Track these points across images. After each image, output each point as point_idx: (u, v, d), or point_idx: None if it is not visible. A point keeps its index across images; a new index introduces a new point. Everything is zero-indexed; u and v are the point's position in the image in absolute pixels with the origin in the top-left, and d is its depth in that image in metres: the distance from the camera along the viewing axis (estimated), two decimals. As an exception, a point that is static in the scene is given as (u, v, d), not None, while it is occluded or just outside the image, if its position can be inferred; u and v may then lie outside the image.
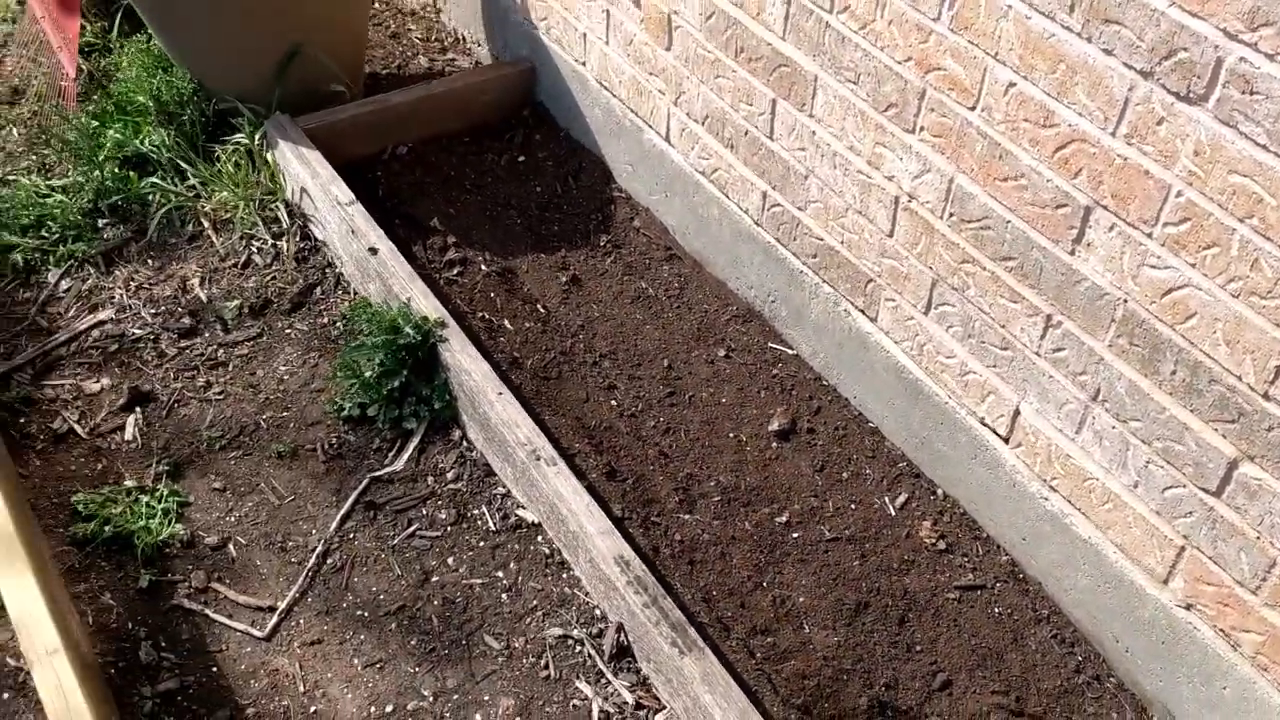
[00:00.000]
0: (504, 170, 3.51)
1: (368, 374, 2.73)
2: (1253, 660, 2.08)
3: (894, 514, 2.62)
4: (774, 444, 2.76)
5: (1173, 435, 2.04)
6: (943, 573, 2.53)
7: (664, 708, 2.26)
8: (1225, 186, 1.77)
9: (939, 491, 2.65)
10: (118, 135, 3.39)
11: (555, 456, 2.48)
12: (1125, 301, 2.02)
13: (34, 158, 3.52)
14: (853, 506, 2.64)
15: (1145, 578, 2.22)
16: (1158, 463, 2.09)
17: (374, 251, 2.91)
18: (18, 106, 3.72)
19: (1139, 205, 1.92)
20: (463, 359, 2.67)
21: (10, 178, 3.41)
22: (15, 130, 3.63)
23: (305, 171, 3.12)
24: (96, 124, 3.43)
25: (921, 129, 2.28)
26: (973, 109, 2.16)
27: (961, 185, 2.25)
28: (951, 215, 2.30)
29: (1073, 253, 2.08)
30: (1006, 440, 2.43)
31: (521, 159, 3.55)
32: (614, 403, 2.84)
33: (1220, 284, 1.85)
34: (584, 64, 3.35)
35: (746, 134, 2.79)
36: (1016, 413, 2.37)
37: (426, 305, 2.78)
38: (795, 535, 2.58)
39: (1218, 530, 2.04)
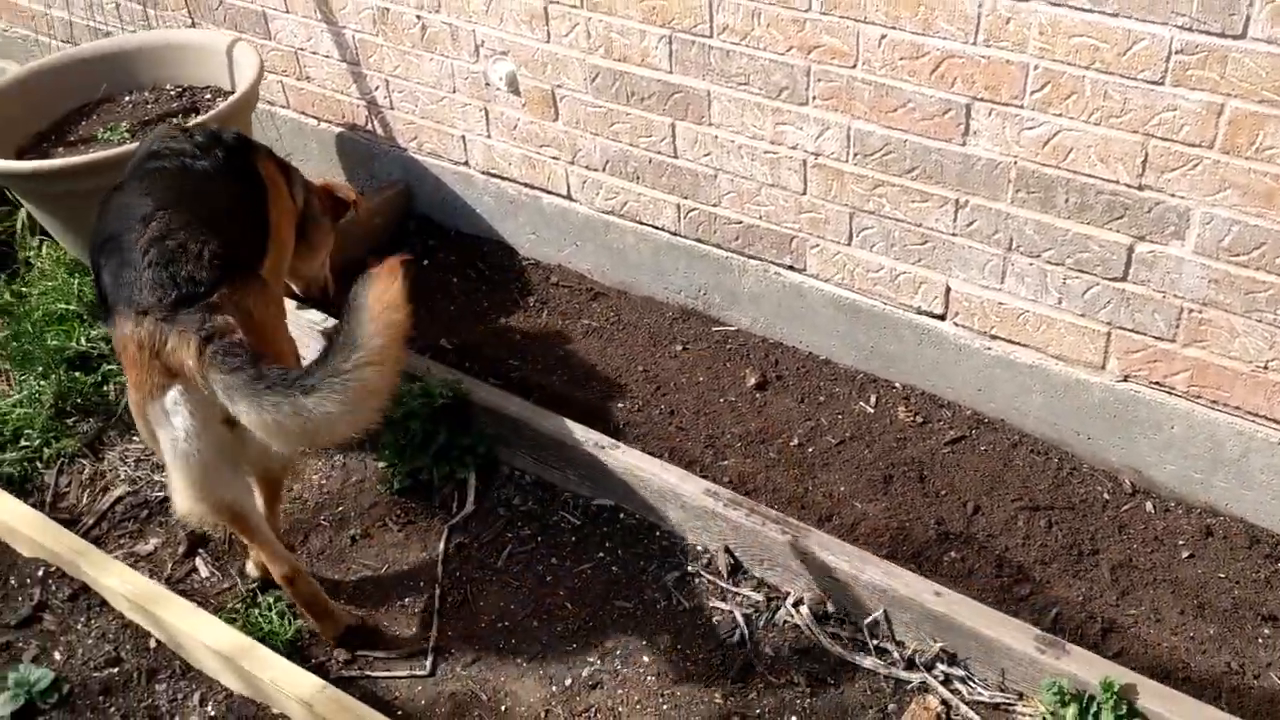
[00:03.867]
0: (415, 275, 3.92)
1: (413, 443, 3.06)
2: (1186, 394, 2.78)
3: (873, 411, 3.21)
4: (757, 395, 3.30)
5: (1079, 248, 2.74)
6: (929, 438, 3.13)
7: (788, 594, 2.72)
8: (1069, 49, 2.51)
9: (898, 384, 3.27)
10: (55, 341, 3.56)
11: (616, 441, 2.92)
12: (1015, 163, 2.72)
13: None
14: (840, 417, 3.21)
15: (1086, 371, 2.91)
16: (1072, 275, 2.79)
17: (370, 349, 3.26)
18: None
19: (1008, 88, 2.64)
20: (496, 398, 3.07)
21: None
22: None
23: (267, 311, 3.43)
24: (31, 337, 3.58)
25: (814, 99, 2.94)
26: (854, 67, 2.83)
27: (859, 128, 2.91)
28: (856, 155, 2.96)
29: (964, 144, 2.78)
30: (943, 317, 3.08)
31: (425, 262, 3.97)
32: (620, 406, 3.30)
33: (1084, 120, 2.57)
34: (466, 163, 3.84)
35: (650, 161, 3.37)
36: (948, 290, 3.02)
37: (442, 373, 3.15)
38: (810, 450, 3.12)
39: (1132, 305, 2.74)
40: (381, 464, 3.14)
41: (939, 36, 2.67)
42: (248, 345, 2.31)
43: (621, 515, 2.97)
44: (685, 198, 3.37)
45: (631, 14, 3.13)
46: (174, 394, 2.38)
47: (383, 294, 2.18)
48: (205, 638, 2.41)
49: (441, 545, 2.96)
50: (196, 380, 2.31)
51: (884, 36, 2.75)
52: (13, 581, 2.75)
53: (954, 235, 2.93)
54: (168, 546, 3.05)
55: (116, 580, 2.57)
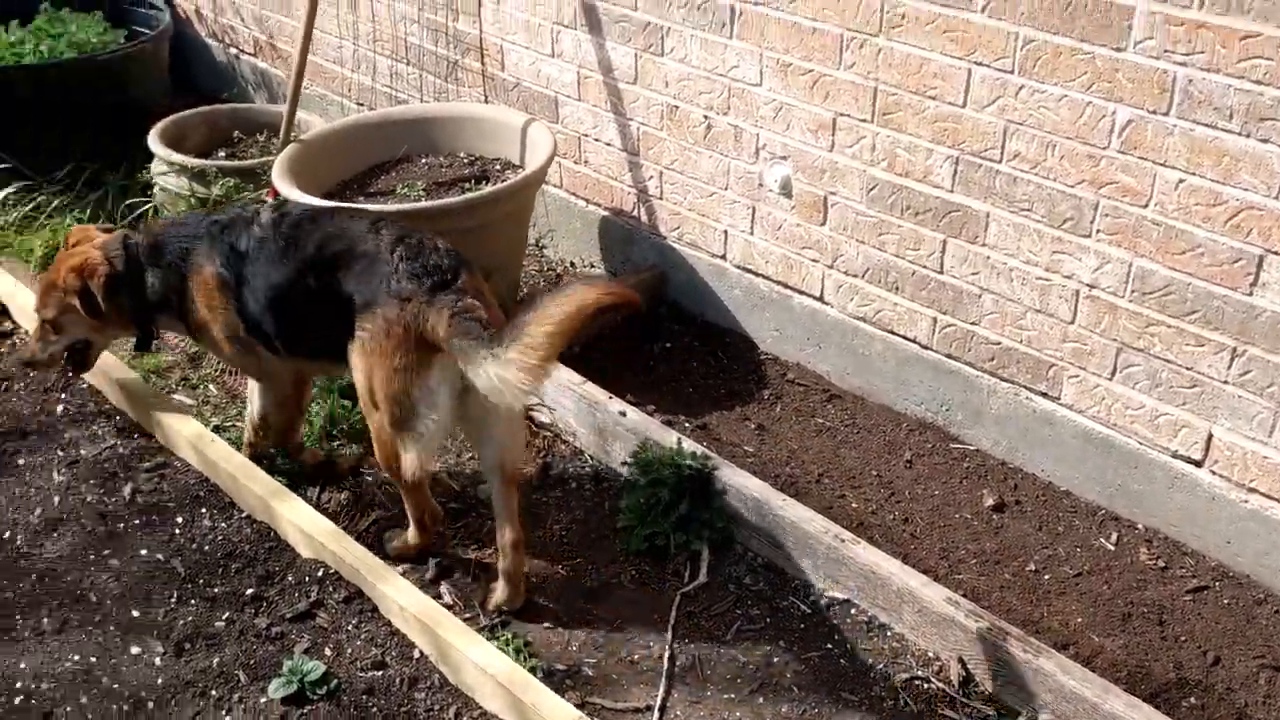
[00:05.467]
0: (660, 355, 4.10)
1: (655, 509, 3.19)
2: None
3: (1113, 549, 3.20)
4: (994, 516, 3.33)
5: (1361, 411, 2.72)
6: (1170, 583, 3.09)
7: (1019, 714, 2.71)
8: (1380, 211, 2.54)
9: (1140, 525, 3.24)
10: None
11: (857, 537, 2.99)
12: (1304, 318, 2.74)
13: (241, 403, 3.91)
14: (1079, 550, 3.20)
15: (1351, 538, 2.85)
16: (1349, 438, 2.76)
17: (624, 414, 3.43)
18: (200, 369, 4.13)
19: (1307, 243, 2.67)
20: (740, 479, 3.18)
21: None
22: (211, 386, 4.03)
23: (528, 367, 3.64)
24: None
25: (1098, 232, 3.01)
26: (1145, 207, 2.90)
27: (1141, 266, 2.97)
28: (1134, 292, 3.01)
29: (1250, 294, 2.80)
30: (1200, 464, 3.06)
31: (669, 345, 4.15)
32: (854, 506, 3.37)
33: (1386, 283, 2.58)
34: (723, 256, 4.03)
35: (913, 274, 3.48)
36: (1209, 437, 3.01)
37: (691, 447, 3.29)
38: (1047, 577, 3.12)
39: None
40: (620, 524, 3.27)
41: (1239, 187, 2.72)
42: (485, 319, 2.70)
43: (853, 610, 3.02)
44: (943, 313, 3.46)
45: (921, 133, 3.27)
46: (437, 372, 2.77)
47: (585, 301, 2.50)
48: (476, 658, 2.55)
49: (673, 611, 3.05)
50: (445, 346, 2.68)
51: (1182, 181, 2.81)
52: (290, 579, 2.96)
53: (1225, 383, 2.93)
54: (414, 572, 3.23)
55: (393, 590, 2.74)
